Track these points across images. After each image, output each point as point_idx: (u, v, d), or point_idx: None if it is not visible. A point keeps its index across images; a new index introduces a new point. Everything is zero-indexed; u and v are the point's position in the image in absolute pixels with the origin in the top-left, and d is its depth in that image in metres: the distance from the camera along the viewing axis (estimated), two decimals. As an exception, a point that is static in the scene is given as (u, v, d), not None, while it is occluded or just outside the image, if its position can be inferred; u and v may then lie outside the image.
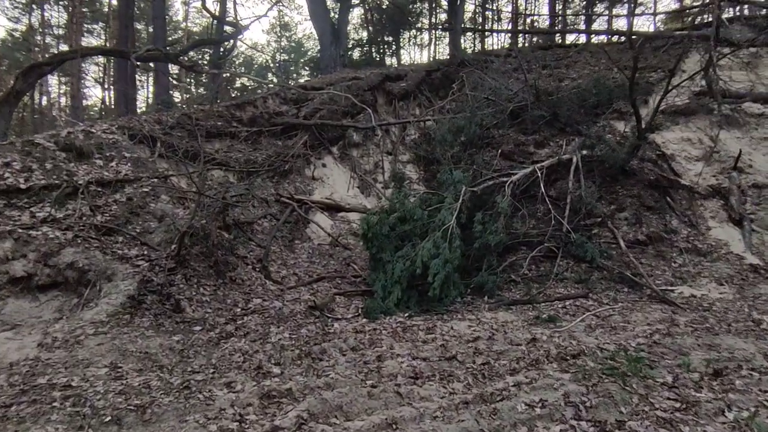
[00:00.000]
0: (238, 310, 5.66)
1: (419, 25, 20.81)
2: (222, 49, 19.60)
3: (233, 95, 20.34)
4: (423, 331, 5.09)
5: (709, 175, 7.45)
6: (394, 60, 21.94)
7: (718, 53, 7.49)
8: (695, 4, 18.34)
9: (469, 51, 16.99)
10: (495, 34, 20.68)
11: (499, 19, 21.82)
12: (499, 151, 8.90)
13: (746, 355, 4.12)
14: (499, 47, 18.03)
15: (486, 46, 19.09)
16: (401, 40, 22.74)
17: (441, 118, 9.96)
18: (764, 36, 8.89)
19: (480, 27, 20.02)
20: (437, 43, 22.46)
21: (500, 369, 4.02)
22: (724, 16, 12.68)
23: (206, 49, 21.41)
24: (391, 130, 11.12)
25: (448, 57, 12.39)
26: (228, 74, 17.88)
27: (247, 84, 23.71)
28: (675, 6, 18.81)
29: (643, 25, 23.97)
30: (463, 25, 15.98)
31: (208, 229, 5.98)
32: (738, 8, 11.09)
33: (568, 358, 4.18)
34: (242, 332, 5.08)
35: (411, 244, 6.51)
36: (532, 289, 6.23)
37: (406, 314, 5.76)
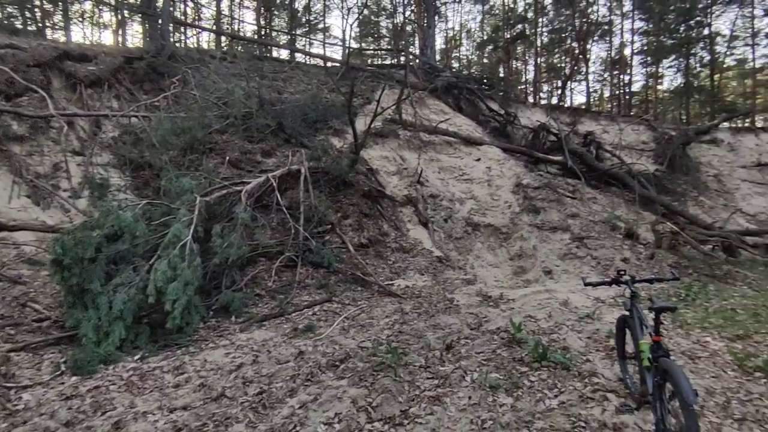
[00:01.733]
0: None
1: None
2: None
3: None
4: (170, 373, 4.13)
5: (403, 187, 9.25)
6: (61, 36, 17.37)
7: (409, 91, 9.51)
8: (370, 47, 22.72)
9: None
10: (191, 33, 19.21)
11: (200, 18, 20.61)
12: (227, 158, 8.33)
13: (457, 327, 5.24)
14: (199, 47, 16.98)
15: (187, 44, 17.64)
16: (70, 11, 18.23)
17: (156, 115, 8.48)
18: (435, 82, 11.91)
19: (183, 20, 18.33)
20: (124, 27, 19.20)
21: (279, 393, 3.69)
22: (389, 61, 16.22)
23: None
24: (77, 124, 8.66)
25: (154, 47, 10.69)
26: None
27: None
28: (356, 45, 22.65)
29: (329, 53, 27.66)
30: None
31: None
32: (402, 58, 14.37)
33: (338, 363, 4.23)
34: None
35: (133, 267, 5.24)
36: (280, 301, 6.06)
37: (137, 357, 4.55)
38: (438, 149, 10.64)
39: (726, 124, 18.89)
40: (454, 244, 8.52)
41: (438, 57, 22.95)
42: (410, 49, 16.08)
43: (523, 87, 26.85)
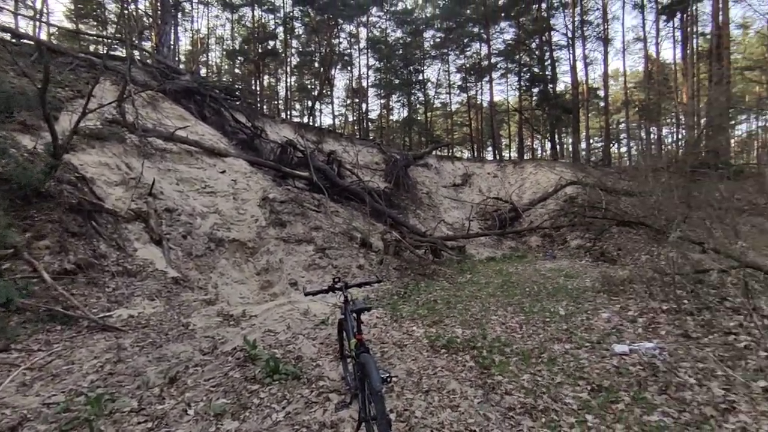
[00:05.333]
0: None
1: None
2: None
3: None
4: None
5: (130, 199, 7.89)
6: None
7: (134, 88, 8.12)
8: (89, 31, 18.92)
9: None
10: None
11: None
12: None
13: (188, 355, 4.68)
14: None
15: None
16: None
17: None
18: (169, 83, 10.55)
19: None
20: None
21: None
22: (119, 53, 13.90)
23: None
24: None
25: None
26: None
27: None
28: (70, 25, 18.46)
29: (25, 28, 21.84)
30: None
31: None
32: (138, 53, 12.50)
33: (3, 436, 3.13)
34: None
35: None
36: None
37: None
38: (176, 158, 9.57)
39: (434, 152, 23.85)
40: (195, 263, 7.75)
41: (182, 58, 21.14)
42: (146, 44, 14.14)
43: (276, 103, 27.43)
